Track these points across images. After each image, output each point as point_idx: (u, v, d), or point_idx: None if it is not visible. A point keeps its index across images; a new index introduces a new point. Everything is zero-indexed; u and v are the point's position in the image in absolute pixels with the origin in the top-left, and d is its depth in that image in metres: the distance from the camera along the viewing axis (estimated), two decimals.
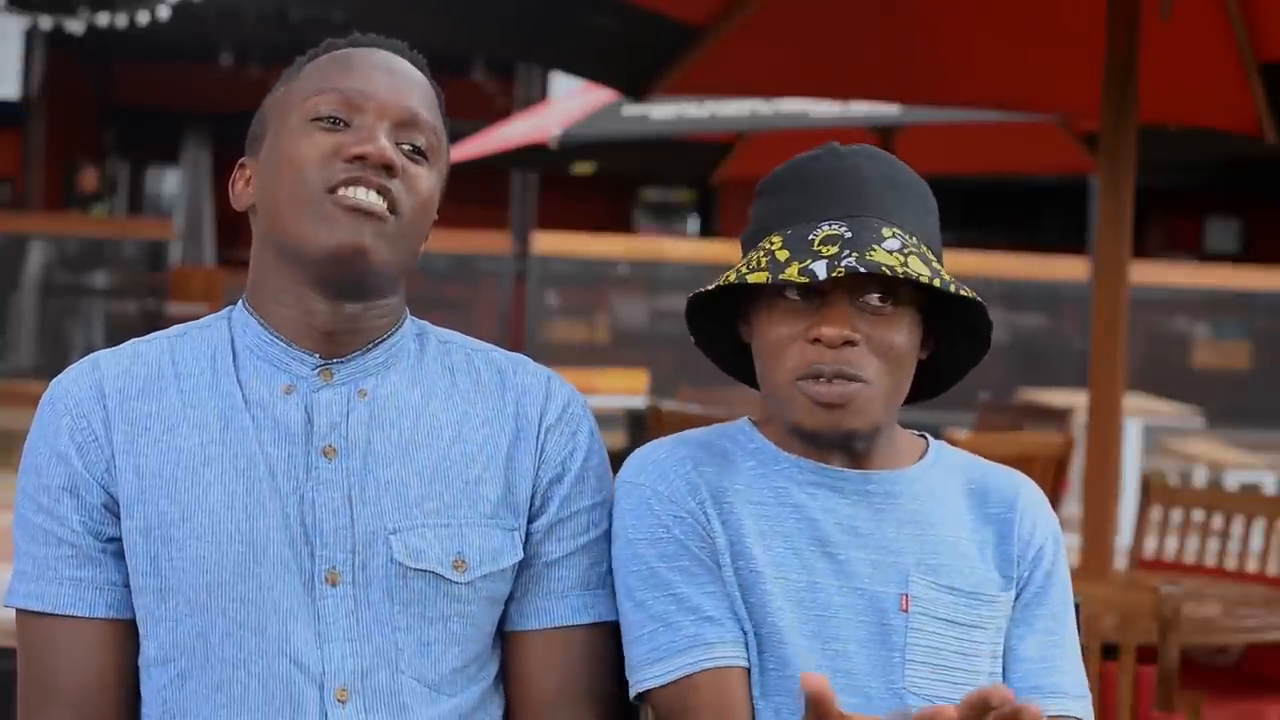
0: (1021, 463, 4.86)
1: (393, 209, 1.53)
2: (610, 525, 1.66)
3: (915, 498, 1.64)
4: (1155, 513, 4.42)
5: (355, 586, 1.54)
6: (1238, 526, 4.30)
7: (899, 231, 1.57)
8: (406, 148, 1.56)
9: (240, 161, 1.63)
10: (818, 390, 1.57)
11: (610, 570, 1.65)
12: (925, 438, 1.72)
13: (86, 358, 1.61)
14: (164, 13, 11.31)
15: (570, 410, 1.65)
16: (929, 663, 1.60)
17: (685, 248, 15.15)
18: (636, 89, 4.61)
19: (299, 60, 1.64)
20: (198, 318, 1.67)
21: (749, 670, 1.59)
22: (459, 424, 1.61)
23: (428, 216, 1.59)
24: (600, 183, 15.68)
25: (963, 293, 1.55)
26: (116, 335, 11.54)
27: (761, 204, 1.66)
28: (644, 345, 12.96)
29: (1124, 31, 3.71)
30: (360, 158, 1.51)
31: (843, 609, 1.59)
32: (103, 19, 11.39)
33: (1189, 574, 4.07)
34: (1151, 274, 12.43)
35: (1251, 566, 4.22)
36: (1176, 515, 4.37)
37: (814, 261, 1.53)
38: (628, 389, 9.51)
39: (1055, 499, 4.95)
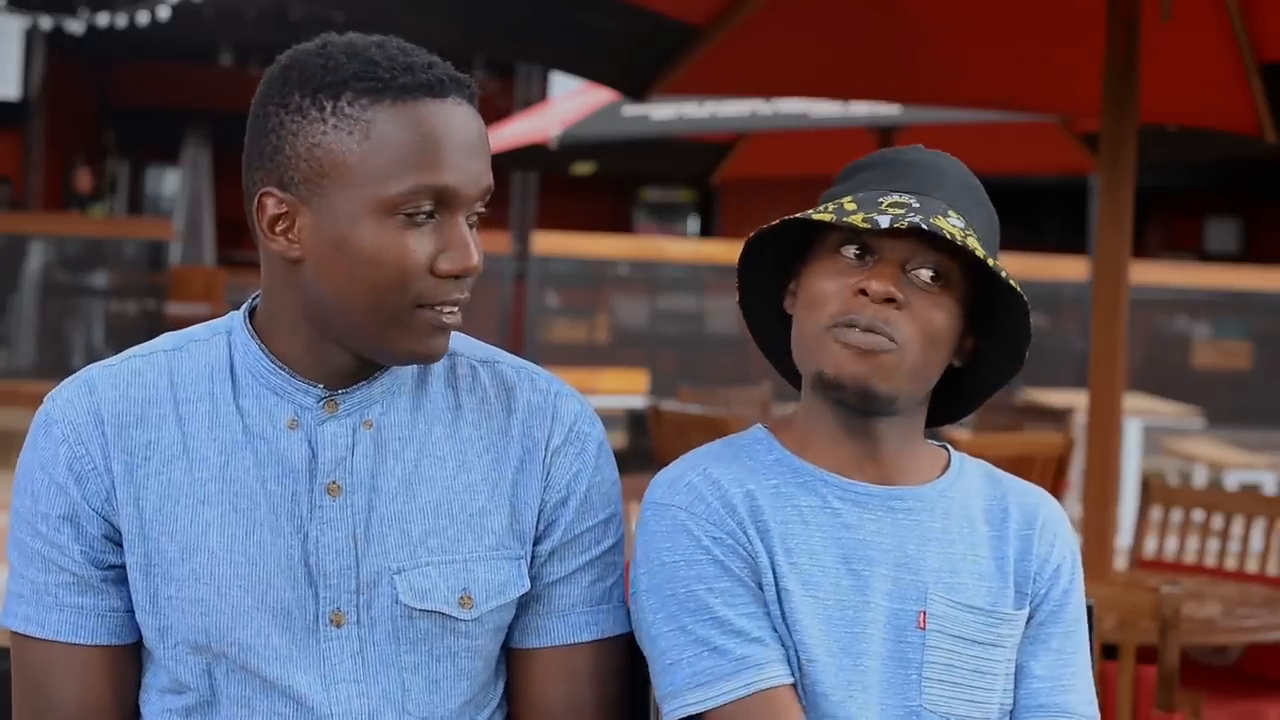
0: (1021, 463, 4.86)
1: (463, 307, 1.52)
2: (616, 539, 1.64)
3: (937, 514, 1.64)
4: (1155, 513, 4.42)
5: (360, 627, 1.51)
6: (1238, 526, 4.29)
7: (963, 217, 1.59)
8: (473, 219, 1.52)
9: (264, 190, 1.48)
10: (850, 336, 1.56)
11: (616, 584, 1.63)
12: (946, 449, 1.72)
13: (80, 375, 1.56)
14: (164, 13, 11.30)
15: (577, 429, 1.61)
16: (945, 680, 1.60)
17: (685, 248, 15.15)
18: (636, 89, 4.60)
19: (343, 80, 1.46)
20: (198, 317, 1.63)
21: (795, 685, 1.58)
22: (462, 453, 1.57)
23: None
24: (600, 183, 15.68)
25: (1012, 283, 1.57)
26: (116, 335, 11.55)
27: (839, 184, 1.67)
28: (644, 345, 12.96)
29: (1124, 31, 3.71)
30: (455, 275, 1.48)
31: (868, 625, 1.59)
32: (103, 19, 11.39)
33: (1189, 574, 4.07)
34: (1151, 274, 12.43)
35: (1251, 566, 4.22)
36: (1176, 515, 4.37)
37: (879, 215, 1.55)
38: (628, 389, 9.50)
39: (1055, 499, 4.94)
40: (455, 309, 1.50)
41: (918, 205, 1.57)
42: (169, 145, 16.49)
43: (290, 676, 1.50)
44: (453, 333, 1.65)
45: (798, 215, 1.59)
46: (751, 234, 1.65)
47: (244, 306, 1.59)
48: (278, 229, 1.48)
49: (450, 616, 1.53)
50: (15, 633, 1.54)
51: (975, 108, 5.35)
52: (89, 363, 1.61)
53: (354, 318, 1.48)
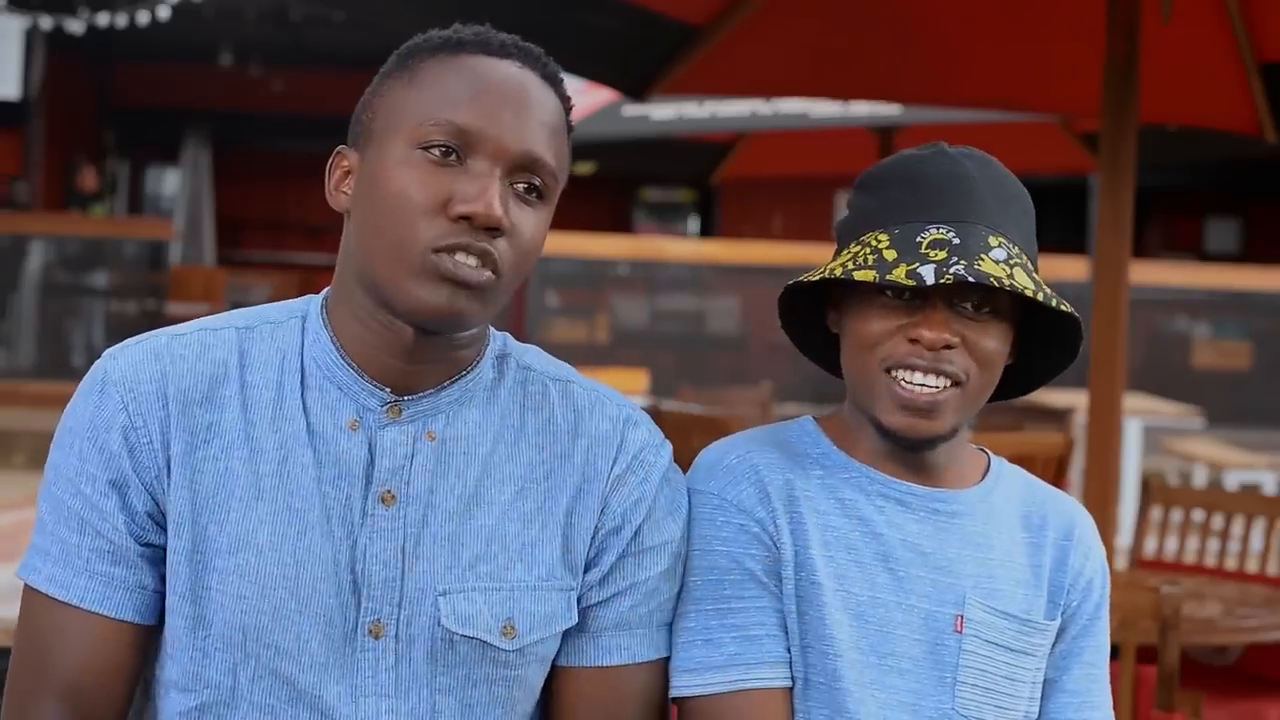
0: (1021, 463, 4.84)
1: (494, 271, 1.43)
2: (667, 566, 1.58)
3: (977, 519, 1.64)
4: (1155, 513, 4.41)
5: (399, 642, 1.48)
6: (1238, 526, 4.29)
7: (1005, 241, 1.57)
8: (521, 187, 1.45)
9: (339, 149, 1.52)
10: (908, 392, 1.55)
11: (659, 608, 1.59)
12: (985, 453, 1.72)
13: (147, 340, 1.51)
14: (164, 13, 11.30)
15: (640, 457, 1.56)
16: (978, 685, 1.60)
17: (685, 248, 15.14)
18: (636, 89, 4.60)
19: (418, 45, 1.51)
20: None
21: (789, 689, 1.58)
22: (522, 476, 1.53)
23: (532, 258, 1.48)
24: (600, 183, 15.68)
25: (1063, 308, 1.56)
26: (116, 335, 11.53)
27: (864, 197, 1.64)
28: (644, 345, 12.95)
29: (1124, 31, 3.71)
30: (467, 217, 1.41)
31: (901, 625, 1.59)
32: (103, 19, 11.38)
33: (1189, 574, 4.06)
34: (1151, 274, 12.43)
35: (1251, 566, 4.22)
36: (1176, 515, 4.36)
37: (922, 265, 1.52)
38: (628, 389, 9.48)
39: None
40: (475, 262, 1.41)
41: (958, 242, 1.54)
42: (169, 145, 16.47)
43: (322, 686, 1.46)
44: (532, 352, 1.60)
45: (839, 274, 1.56)
46: (789, 283, 1.63)
47: (324, 291, 1.56)
48: (342, 185, 1.50)
49: (491, 645, 1.49)
50: (33, 589, 1.50)
51: (975, 108, 5.35)
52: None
53: (376, 262, 1.44)
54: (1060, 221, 17.12)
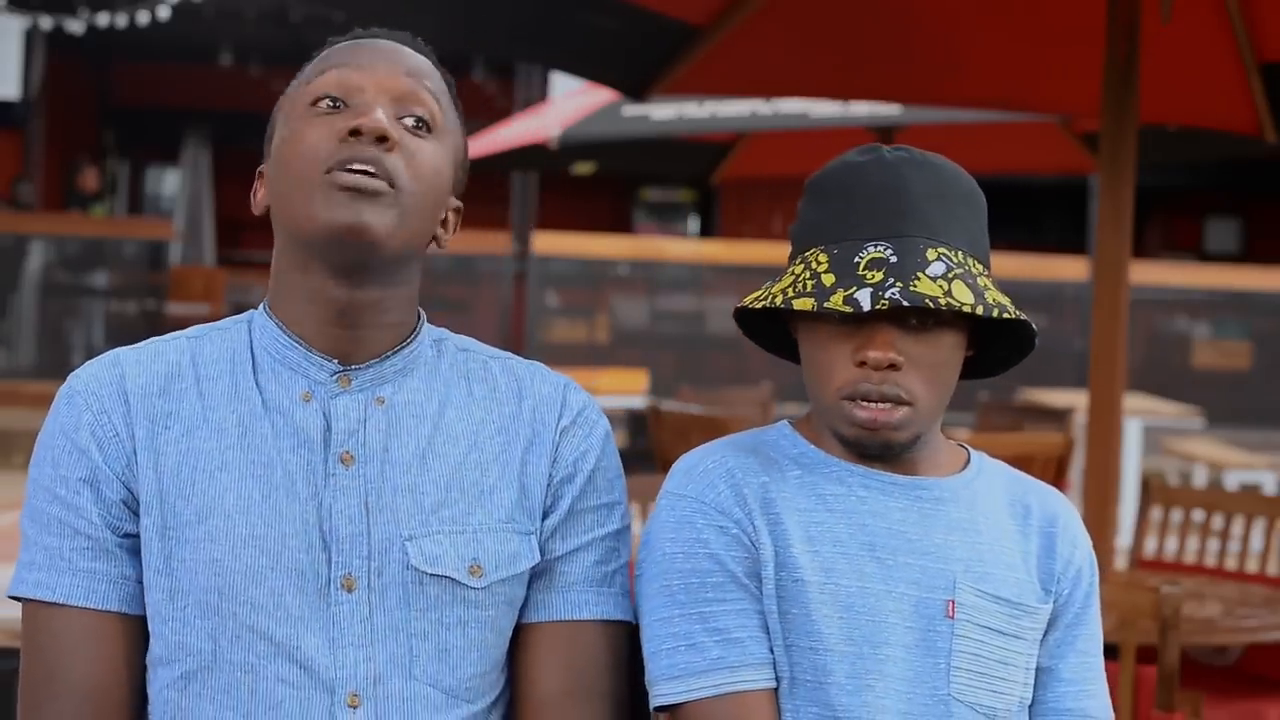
0: (1021, 463, 4.85)
1: (390, 182, 1.52)
2: (620, 526, 1.66)
3: (961, 505, 1.65)
4: (1155, 513, 4.42)
5: (371, 592, 1.53)
6: (1238, 526, 4.30)
7: (944, 252, 1.57)
8: (408, 121, 1.56)
9: (260, 169, 1.64)
10: (863, 415, 1.58)
11: (618, 571, 1.65)
12: (965, 448, 1.73)
13: (106, 354, 1.61)
14: (164, 13, 11.32)
15: (584, 414, 1.66)
16: (972, 670, 1.61)
17: (685, 248, 15.15)
18: (636, 89, 4.61)
19: (306, 64, 1.65)
20: (198, 318, 1.66)
21: (775, 690, 1.59)
22: (475, 432, 1.61)
23: (433, 190, 1.57)
24: (600, 183, 15.69)
25: (1005, 315, 1.56)
26: (116, 335, 11.56)
27: (808, 207, 1.65)
28: (644, 345, 12.96)
29: (1124, 32, 3.71)
30: (355, 132, 1.51)
31: (891, 614, 1.59)
32: (103, 19, 11.40)
33: (1189, 574, 4.07)
34: (1151, 274, 12.44)
35: (1251, 566, 4.22)
36: (1176, 515, 4.37)
37: (859, 289, 1.53)
38: (628, 389, 9.49)
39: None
40: (371, 169, 1.51)
41: (895, 260, 1.54)
42: (169, 145, 16.50)
43: (299, 638, 1.51)
44: (466, 338, 1.70)
45: (779, 303, 1.58)
46: (736, 307, 1.67)
47: (264, 300, 1.64)
48: (259, 193, 1.63)
49: (460, 583, 1.55)
50: (27, 600, 1.55)
51: (975, 108, 5.35)
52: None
53: (287, 205, 1.55)
54: (1060, 221, 17.13)
